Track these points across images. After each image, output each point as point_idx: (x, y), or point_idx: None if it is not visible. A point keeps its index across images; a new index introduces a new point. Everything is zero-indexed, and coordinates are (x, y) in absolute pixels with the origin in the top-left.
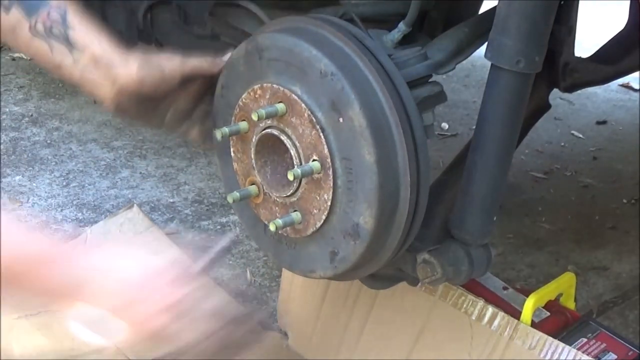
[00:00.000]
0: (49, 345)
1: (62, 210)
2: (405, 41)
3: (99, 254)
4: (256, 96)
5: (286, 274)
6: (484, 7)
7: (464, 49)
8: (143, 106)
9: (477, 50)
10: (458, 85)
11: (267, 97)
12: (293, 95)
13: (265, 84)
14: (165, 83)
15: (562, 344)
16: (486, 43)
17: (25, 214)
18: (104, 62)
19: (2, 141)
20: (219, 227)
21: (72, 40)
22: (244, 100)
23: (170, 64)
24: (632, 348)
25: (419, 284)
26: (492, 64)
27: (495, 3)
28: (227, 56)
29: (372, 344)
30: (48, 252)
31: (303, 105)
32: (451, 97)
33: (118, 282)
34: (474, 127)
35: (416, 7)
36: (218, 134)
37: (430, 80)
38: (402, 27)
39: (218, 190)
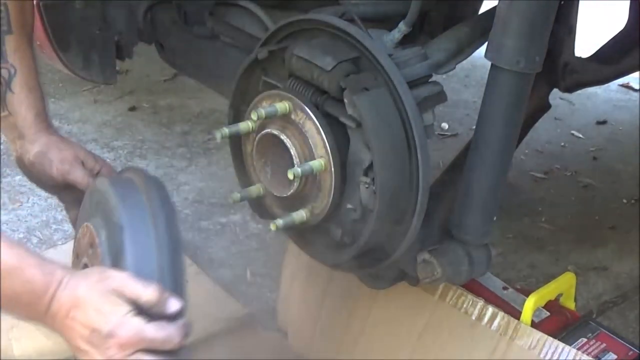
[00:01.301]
0: (49, 345)
1: (62, 210)
2: (406, 41)
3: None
4: (84, 233)
5: (286, 274)
6: (484, 7)
7: (464, 49)
8: (34, 177)
9: (477, 50)
10: (458, 85)
11: (87, 237)
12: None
13: (88, 224)
14: (49, 179)
15: (562, 344)
16: (486, 43)
17: (25, 214)
18: (20, 131)
19: (2, 141)
20: (219, 227)
21: (7, 101)
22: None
23: (59, 167)
24: (632, 348)
25: (419, 284)
26: (492, 64)
27: (495, 3)
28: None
29: (372, 344)
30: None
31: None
32: (451, 97)
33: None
34: (474, 127)
35: (416, 7)
36: (218, 135)
37: (430, 80)
38: (402, 27)
39: (218, 190)
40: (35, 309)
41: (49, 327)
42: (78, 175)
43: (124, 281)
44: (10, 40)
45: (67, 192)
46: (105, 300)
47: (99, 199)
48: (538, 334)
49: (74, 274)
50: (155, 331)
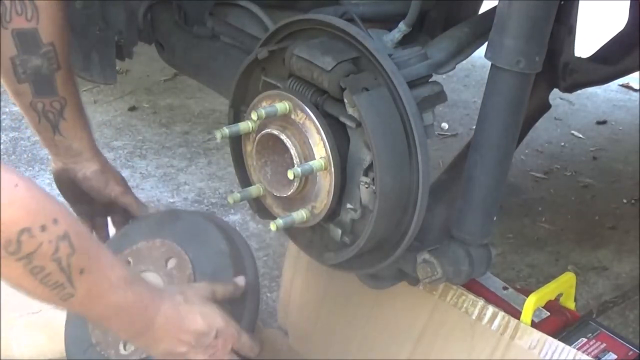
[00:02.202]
0: (49, 344)
1: None
2: (406, 41)
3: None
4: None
5: (286, 274)
6: (484, 7)
7: (464, 49)
8: (74, 192)
9: (477, 50)
10: (458, 85)
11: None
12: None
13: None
14: (102, 196)
15: (562, 344)
16: (486, 43)
17: None
18: (75, 151)
19: (2, 141)
20: None
21: (61, 129)
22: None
23: (115, 188)
24: (632, 348)
25: (419, 284)
26: (492, 64)
27: (495, 3)
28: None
29: (372, 343)
30: None
31: None
32: (451, 97)
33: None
34: (474, 127)
35: (416, 7)
36: (218, 135)
37: (430, 80)
38: (402, 27)
39: (218, 190)
40: (142, 323)
41: (148, 341)
42: (130, 198)
43: (214, 287)
44: (60, 74)
45: (89, 207)
46: (209, 306)
47: (194, 231)
48: (538, 334)
49: (172, 289)
50: (248, 336)
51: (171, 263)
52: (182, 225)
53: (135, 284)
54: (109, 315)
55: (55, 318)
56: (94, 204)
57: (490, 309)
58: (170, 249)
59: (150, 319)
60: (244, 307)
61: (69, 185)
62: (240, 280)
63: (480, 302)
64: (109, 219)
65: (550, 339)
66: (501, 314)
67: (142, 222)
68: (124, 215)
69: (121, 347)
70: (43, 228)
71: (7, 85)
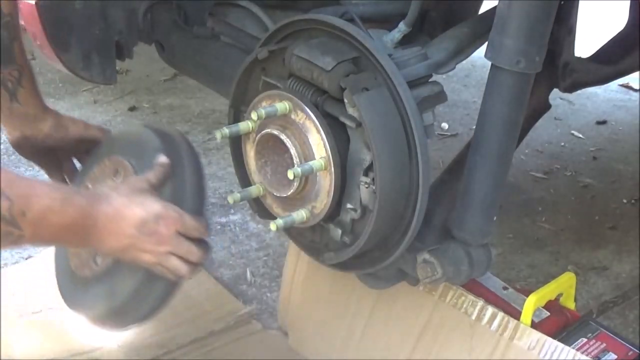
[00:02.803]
0: (49, 344)
1: None
2: (406, 41)
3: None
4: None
5: (286, 274)
6: (484, 7)
7: (464, 49)
8: (37, 152)
9: (477, 50)
10: (458, 85)
11: (109, 168)
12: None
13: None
14: (66, 142)
15: (561, 345)
16: (486, 43)
17: None
18: (31, 116)
19: (2, 141)
20: (219, 227)
21: (18, 97)
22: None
23: (75, 129)
24: (632, 348)
25: (419, 284)
26: (492, 64)
27: (495, 3)
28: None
29: (372, 344)
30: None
31: None
32: (451, 97)
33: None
34: (474, 127)
35: (416, 7)
36: (218, 135)
37: (430, 80)
38: (402, 27)
39: (218, 190)
40: (87, 230)
41: (97, 244)
42: (93, 130)
43: (146, 176)
44: (17, 44)
45: (55, 160)
46: (144, 196)
47: (133, 140)
48: (537, 334)
49: (107, 190)
50: (190, 218)
51: (118, 176)
52: (123, 139)
53: (72, 199)
54: (58, 235)
55: (55, 318)
56: (58, 155)
57: (490, 310)
58: (115, 163)
59: (92, 224)
60: (185, 191)
61: (31, 150)
62: (162, 158)
63: (480, 303)
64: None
65: (549, 339)
66: (500, 314)
67: (95, 151)
68: (89, 149)
69: (92, 264)
70: None
71: None
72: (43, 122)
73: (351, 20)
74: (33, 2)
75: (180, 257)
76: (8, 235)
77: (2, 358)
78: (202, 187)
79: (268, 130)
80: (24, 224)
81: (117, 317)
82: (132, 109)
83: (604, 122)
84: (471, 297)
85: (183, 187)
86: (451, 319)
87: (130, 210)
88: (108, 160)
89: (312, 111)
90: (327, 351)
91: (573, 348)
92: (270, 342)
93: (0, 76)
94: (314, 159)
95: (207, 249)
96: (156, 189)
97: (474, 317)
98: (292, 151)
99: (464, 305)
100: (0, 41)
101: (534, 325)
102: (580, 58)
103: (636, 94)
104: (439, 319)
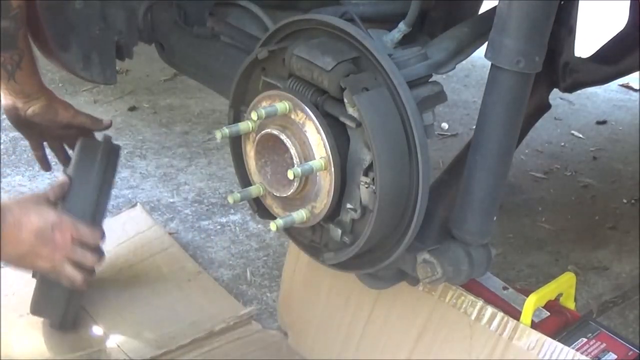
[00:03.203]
0: (49, 344)
1: None
2: (405, 41)
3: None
4: None
5: (286, 274)
6: (484, 7)
7: (464, 49)
8: (24, 124)
9: (477, 50)
10: (458, 85)
11: None
12: None
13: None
14: (55, 124)
15: (560, 345)
16: (486, 43)
17: None
18: (26, 93)
19: (2, 141)
20: (219, 227)
21: (16, 77)
22: None
23: (65, 113)
24: (632, 348)
25: (419, 284)
26: (492, 64)
27: (495, 3)
28: (107, 121)
29: (372, 344)
30: None
31: None
32: (451, 97)
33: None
34: (474, 127)
35: (416, 7)
36: (218, 135)
37: (430, 80)
38: (402, 27)
39: (218, 190)
40: None
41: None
42: (83, 118)
43: (47, 192)
44: (22, 32)
45: (41, 137)
46: (41, 207)
47: (75, 153)
48: (537, 335)
49: (9, 202)
50: (84, 227)
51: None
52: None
53: None
54: None
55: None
56: (44, 133)
57: (489, 310)
58: (67, 179)
59: None
60: (82, 202)
61: (18, 120)
62: (62, 177)
63: (479, 303)
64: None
65: (549, 339)
66: (500, 314)
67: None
68: (79, 135)
69: None
70: None
71: None
72: (35, 101)
73: (351, 20)
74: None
75: (75, 264)
76: None
77: (2, 358)
78: (101, 201)
79: (268, 130)
80: None
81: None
82: (132, 109)
83: (604, 122)
84: (471, 297)
85: (82, 198)
86: (451, 319)
87: (28, 219)
88: (63, 177)
89: (312, 111)
90: (327, 351)
91: (573, 348)
92: (270, 342)
93: (0, 58)
94: (314, 159)
95: (101, 255)
96: (54, 203)
97: (473, 317)
98: (292, 151)
99: (464, 305)
100: (7, 30)
101: (534, 325)
102: (580, 58)
103: (636, 94)
104: (438, 319)
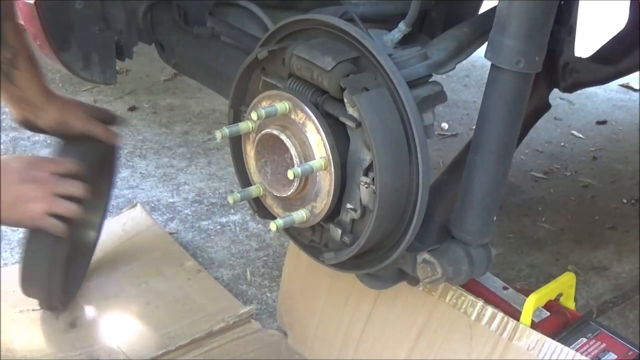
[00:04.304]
0: (49, 341)
1: None
2: (405, 41)
3: None
4: None
5: (286, 274)
6: (484, 7)
7: (464, 49)
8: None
9: (477, 50)
10: (458, 85)
11: None
12: None
13: None
14: (66, 132)
15: (560, 345)
16: (486, 43)
17: None
18: (30, 101)
19: (2, 141)
20: (219, 227)
21: (15, 80)
22: None
23: (77, 123)
24: (632, 348)
25: (419, 284)
26: (492, 64)
27: (495, 3)
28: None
29: (372, 344)
30: None
31: None
32: (451, 97)
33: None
34: (474, 127)
35: (416, 7)
36: (218, 135)
37: (430, 80)
38: (402, 27)
39: (218, 190)
40: None
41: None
42: (94, 128)
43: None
44: (10, 25)
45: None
46: (19, 155)
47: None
48: (537, 335)
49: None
50: (59, 159)
51: None
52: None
53: None
54: None
55: (56, 314)
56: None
57: (489, 310)
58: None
59: None
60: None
61: (36, 129)
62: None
63: (479, 303)
64: None
65: (549, 340)
66: (500, 314)
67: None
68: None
69: None
70: None
71: None
72: (42, 113)
73: (351, 20)
74: (33, 2)
75: (65, 196)
76: None
77: (2, 354)
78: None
79: (268, 130)
80: None
81: (31, 287)
82: (132, 109)
83: (604, 122)
84: (471, 297)
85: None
86: (451, 319)
87: (6, 163)
88: None
89: (312, 111)
90: (327, 351)
91: (573, 348)
92: (270, 341)
93: None
94: (314, 159)
95: (85, 186)
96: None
97: (473, 317)
98: (292, 151)
99: (464, 306)
100: None
101: (534, 325)
102: (580, 58)
103: (636, 94)
104: (438, 319)
